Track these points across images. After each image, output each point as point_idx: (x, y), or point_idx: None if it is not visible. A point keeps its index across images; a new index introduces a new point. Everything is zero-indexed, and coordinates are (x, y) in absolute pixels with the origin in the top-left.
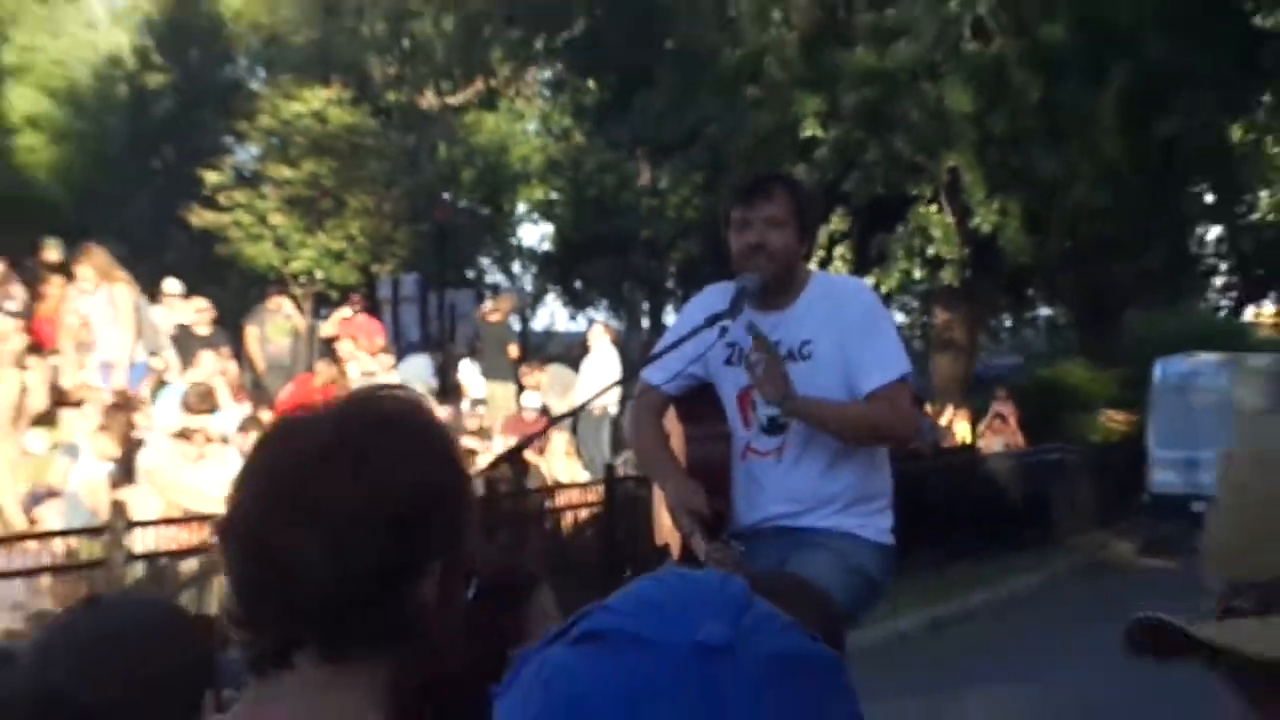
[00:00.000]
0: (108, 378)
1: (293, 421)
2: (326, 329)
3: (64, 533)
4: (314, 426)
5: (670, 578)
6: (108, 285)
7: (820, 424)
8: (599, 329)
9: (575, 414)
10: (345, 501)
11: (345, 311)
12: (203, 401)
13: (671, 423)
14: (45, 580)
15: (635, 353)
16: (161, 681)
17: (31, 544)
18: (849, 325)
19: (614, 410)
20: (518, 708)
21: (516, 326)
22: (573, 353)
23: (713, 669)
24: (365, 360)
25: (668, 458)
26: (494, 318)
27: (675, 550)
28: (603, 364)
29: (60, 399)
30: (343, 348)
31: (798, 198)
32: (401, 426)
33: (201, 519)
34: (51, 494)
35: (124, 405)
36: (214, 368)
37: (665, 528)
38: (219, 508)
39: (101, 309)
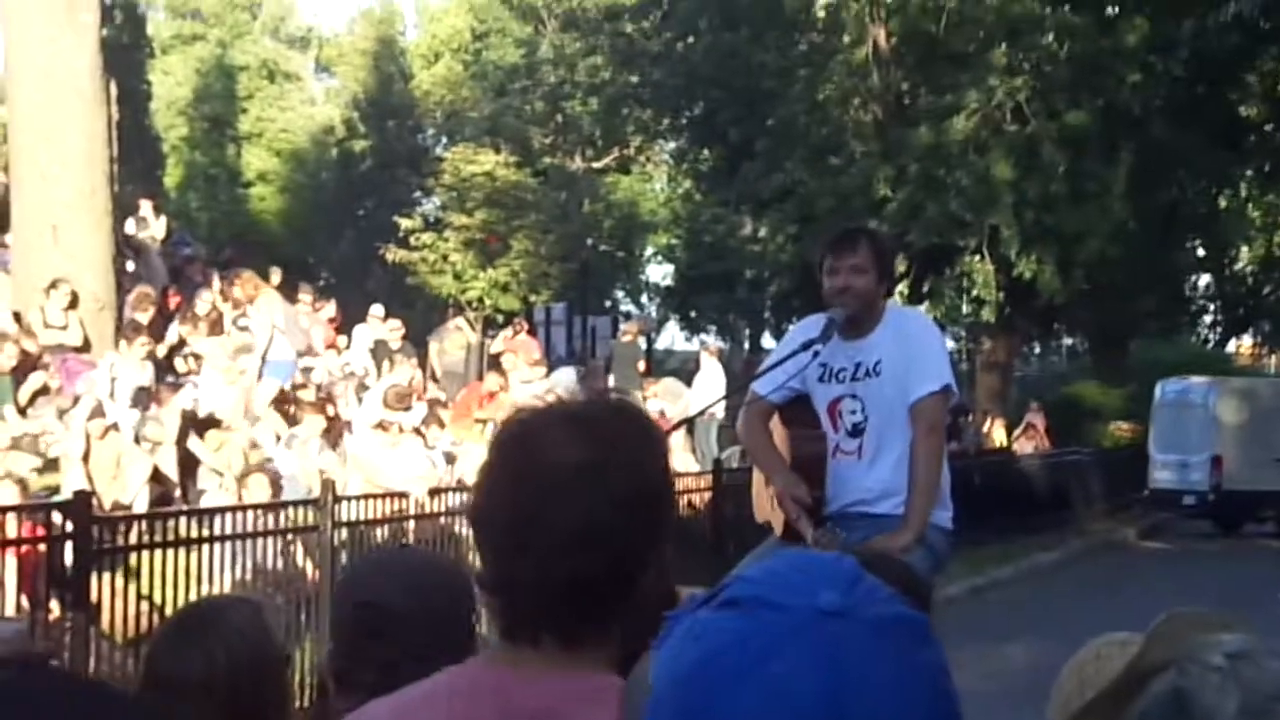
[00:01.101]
0: (276, 372)
1: (536, 430)
2: (496, 346)
3: (284, 504)
4: (559, 441)
5: (794, 556)
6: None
7: (925, 510)
8: (707, 350)
9: (693, 419)
10: (591, 514)
11: (510, 332)
12: (400, 401)
13: (776, 426)
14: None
15: (738, 369)
16: (445, 605)
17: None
18: (908, 346)
19: (720, 416)
20: (673, 659)
21: (643, 345)
22: (688, 367)
23: (830, 629)
24: (524, 370)
25: (775, 454)
26: (626, 339)
27: (778, 528)
28: (710, 378)
29: (281, 396)
30: (506, 360)
31: (877, 247)
32: (634, 439)
33: (394, 495)
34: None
35: (328, 399)
36: (407, 374)
37: (764, 508)
38: (407, 486)
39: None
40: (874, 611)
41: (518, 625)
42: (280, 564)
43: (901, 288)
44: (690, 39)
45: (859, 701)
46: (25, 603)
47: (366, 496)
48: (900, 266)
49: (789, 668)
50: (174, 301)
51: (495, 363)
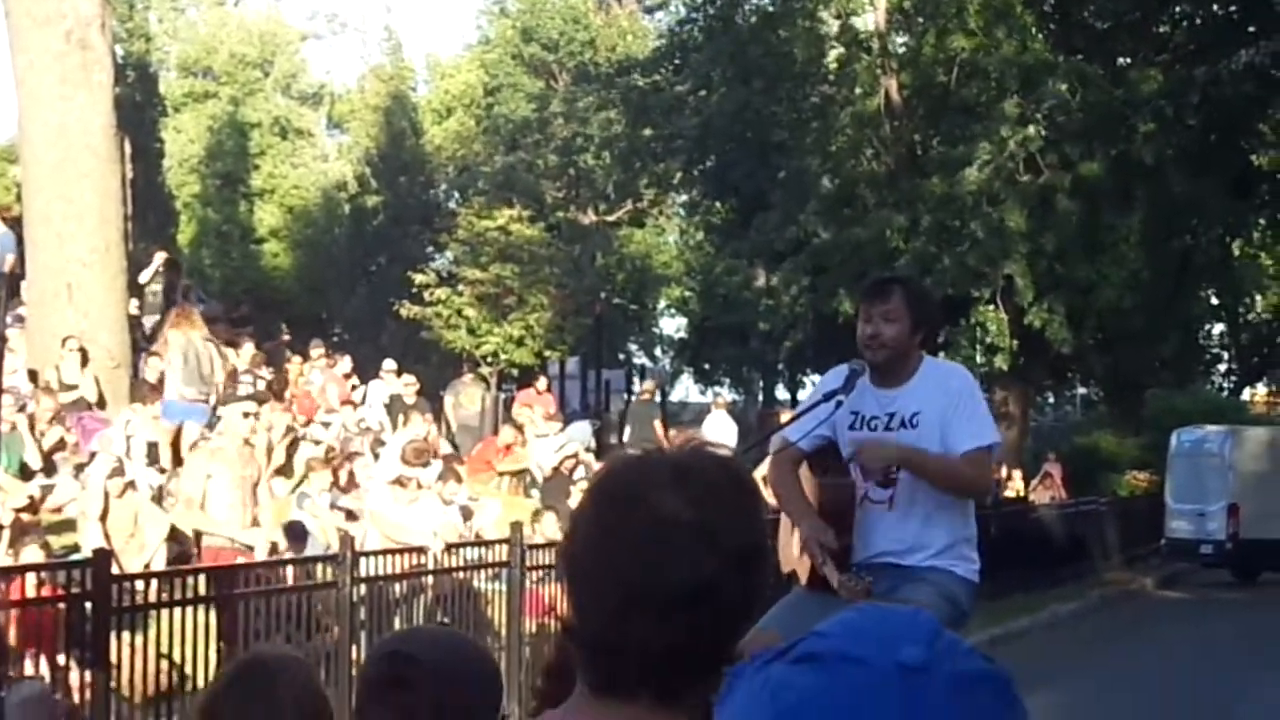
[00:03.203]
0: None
1: (643, 483)
2: (519, 401)
3: (303, 560)
4: (668, 496)
5: (871, 609)
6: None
7: (922, 468)
8: (715, 403)
9: None
10: (704, 572)
11: (539, 386)
12: (418, 456)
13: (805, 474)
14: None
15: (752, 420)
16: (472, 671)
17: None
18: (950, 400)
19: None
20: (747, 716)
21: (658, 400)
22: (702, 419)
23: (912, 685)
24: (540, 424)
25: (803, 501)
26: (644, 398)
27: (803, 577)
28: (717, 429)
29: (292, 451)
30: (521, 414)
31: (911, 297)
32: (739, 494)
33: (413, 550)
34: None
35: (346, 456)
36: (422, 429)
37: (791, 558)
38: (425, 542)
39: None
40: (956, 667)
41: (616, 682)
42: (299, 620)
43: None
44: (703, 92)
45: None
46: (44, 663)
47: (385, 552)
48: None
49: None
50: None
51: (511, 417)
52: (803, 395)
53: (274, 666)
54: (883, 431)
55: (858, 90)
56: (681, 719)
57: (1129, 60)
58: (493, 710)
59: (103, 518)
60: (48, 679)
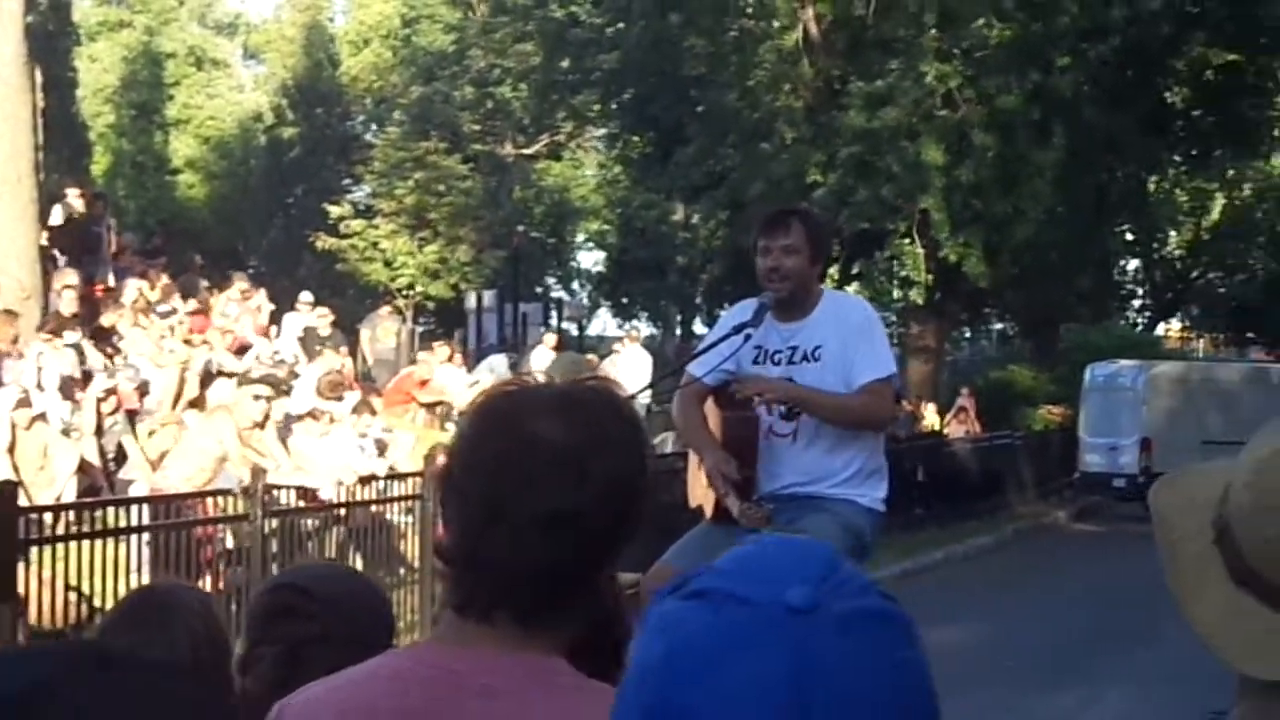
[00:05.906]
0: None
1: (521, 406)
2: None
3: (214, 493)
4: (544, 420)
5: (769, 544)
6: None
7: (817, 408)
8: (629, 336)
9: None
10: (570, 496)
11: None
12: (333, 389)
13: (710, 408)
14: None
15: (670, 354)
16: (359, 600)
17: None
18: (851, 332)
19: (646, 401)
20: (642, 650)
21: (574, 332)
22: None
23: (798, 626)
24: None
25: (707, 434)
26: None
27: (709, 510)
28: (632, 363)
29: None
30: (440, 351)
31: (811, 228)
32: (618, 425)
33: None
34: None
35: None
36: (336, 362)
37: (698, 493)
38: (339, 475)
39: None
40: (844, 606)
41: (475, 601)
42: (210, 552)
43: (831, 271)
44: (621, 25)
45: (824, 700)
46: None
47: (298, 487)
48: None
49: (753, 666)
50: (98, 290)
51: (427, 350)
52: None
53: (169, 599)
54: (785, 365)
55: (776, 23)
56: (540, 644)
57: None
58: (384, 641)
59: (11, 450)
60: None
